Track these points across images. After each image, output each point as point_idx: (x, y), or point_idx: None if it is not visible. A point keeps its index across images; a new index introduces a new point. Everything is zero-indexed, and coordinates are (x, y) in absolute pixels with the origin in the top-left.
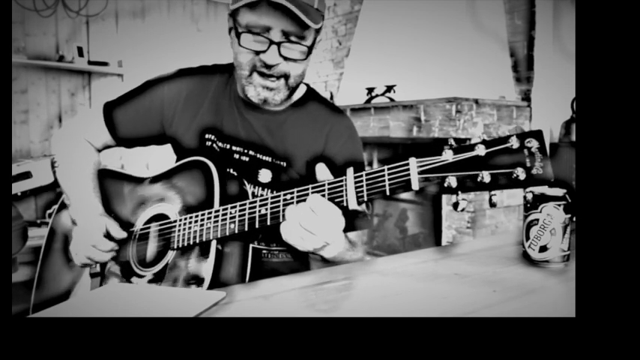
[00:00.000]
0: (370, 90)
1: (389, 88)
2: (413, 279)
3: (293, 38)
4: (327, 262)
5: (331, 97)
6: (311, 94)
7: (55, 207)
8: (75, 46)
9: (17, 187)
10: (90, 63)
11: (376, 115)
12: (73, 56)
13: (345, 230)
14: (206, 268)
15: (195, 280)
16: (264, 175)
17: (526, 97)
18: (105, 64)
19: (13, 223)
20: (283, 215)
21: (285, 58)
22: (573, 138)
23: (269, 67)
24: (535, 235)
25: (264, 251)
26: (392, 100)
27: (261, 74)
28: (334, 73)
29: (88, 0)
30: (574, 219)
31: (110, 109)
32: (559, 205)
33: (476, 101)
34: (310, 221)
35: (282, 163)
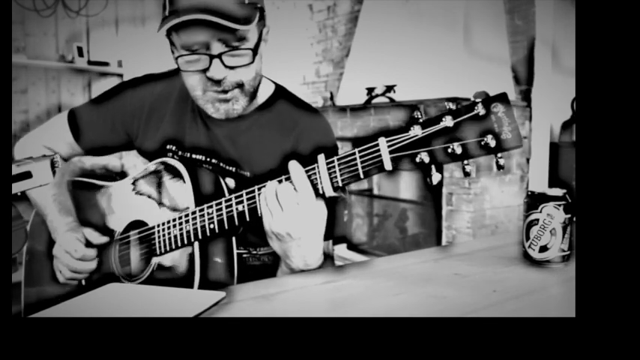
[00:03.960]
0: (370, 90)
1: (389, 88)
2: (413, 279)
3: (235, 44)
4: (293, 272)
5: (331, 97)
6: (280, 94)
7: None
8: (75, 46)
9: (17, 187)
10: (90, 63)
11: (376, 115)
12: (73, 56)
13: (327, 218)
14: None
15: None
16: (230, 184)
17: (526, 97)
18: (105, 64)
19: (13, 223)
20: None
21: (232, 68)
22: (573, 138)
23: (218, 82)
24: (535, 235)
25: (245, 255)
26: (392, 100)
27: (214, 90)
28: (334, 73)
29: (88, 0)
30: (574, 219)
31: (75, 117)
32: (559, 205)
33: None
34: (288, 194)
35: (246, 173)
